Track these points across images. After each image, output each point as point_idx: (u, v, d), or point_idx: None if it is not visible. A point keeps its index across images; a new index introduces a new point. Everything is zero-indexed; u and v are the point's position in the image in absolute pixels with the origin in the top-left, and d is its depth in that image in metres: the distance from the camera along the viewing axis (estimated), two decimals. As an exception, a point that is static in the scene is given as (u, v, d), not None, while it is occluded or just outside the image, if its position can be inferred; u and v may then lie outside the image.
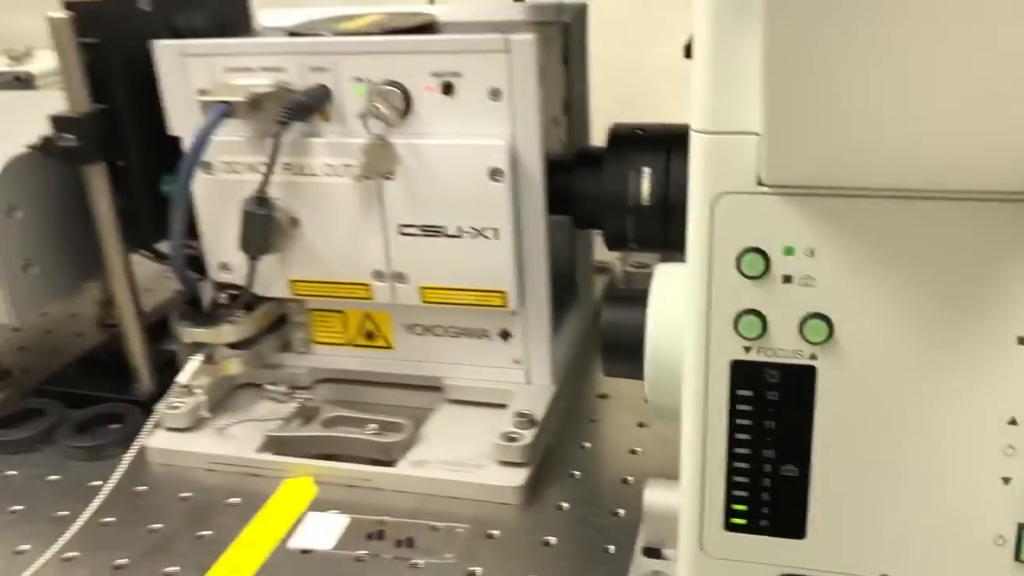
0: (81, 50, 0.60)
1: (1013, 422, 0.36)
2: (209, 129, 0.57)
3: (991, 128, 0.31)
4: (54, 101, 0.62)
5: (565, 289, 0.70)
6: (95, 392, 0.69)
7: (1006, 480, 0.37)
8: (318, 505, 0.58)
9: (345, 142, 0.59)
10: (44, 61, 0.98)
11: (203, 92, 0.60)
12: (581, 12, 0.67)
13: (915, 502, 0.38)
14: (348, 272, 0.62)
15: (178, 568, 0.53)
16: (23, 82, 0.93)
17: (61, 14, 0.59)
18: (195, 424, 0.64)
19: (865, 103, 0.31)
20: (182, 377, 0.62)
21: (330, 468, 0.60)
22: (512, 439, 0.58)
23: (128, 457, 0.59)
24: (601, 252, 0.72)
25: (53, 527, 0.56)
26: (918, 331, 0.36)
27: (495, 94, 0.56)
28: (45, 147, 0.61)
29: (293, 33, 0.62)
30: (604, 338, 0.46)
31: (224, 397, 0.67)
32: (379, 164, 0.58)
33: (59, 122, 0.60)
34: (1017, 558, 0.37)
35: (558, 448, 0.62)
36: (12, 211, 0.62)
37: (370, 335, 0.66)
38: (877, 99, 0.31)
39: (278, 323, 0.67)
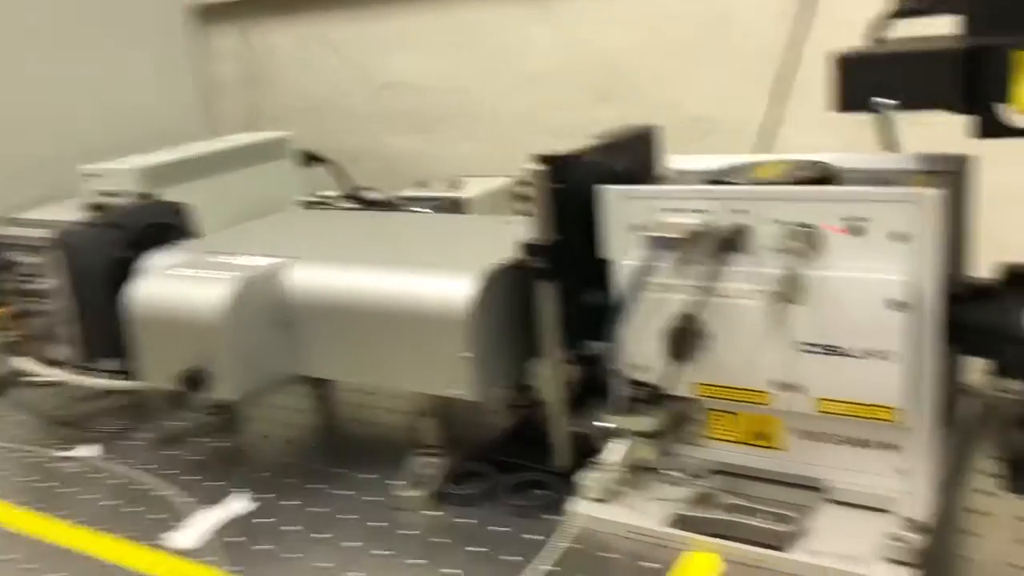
0: (550, 194, 0.77)
1: None
2: (654, 258, 0.71)
3: None
4: (489, 224, 0.80)
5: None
6: (519, 461, 0.85)
7: None
8: (720, 577, 0.68)
9: (759, 271, 0.70)
10: (471, 188, 1.20)
11: (639, 227, 0.74)
12: (966, 161, 0.75)
13: None
14: (748, 380, 0.73)
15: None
16: (456, 205, 1.14)
17: (541, 166, 0.76)
18: (610, 496, 0.77)
19: None
20: (608, 456, 0.75)
21: (729, 547, 0.70)
22: (901, 540, 0.65)
23: (572, 520, 0.73)
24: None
25: (505, 568, 0.72)
26: None
27: (900, 237, 0.65)
28: (519, 265, 0.78)
29: (714, 180, 0.75)
30: (1015, 459, 0.53)
31: (629, 477, 0.79)
32: (789, 291, 0.69)
33: (530, 248, 0.77)
34: None
35: (936, 554, 0.68)
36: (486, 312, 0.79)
37: (759, 435, 0.76)
38: None
39: (679, 418, 0.79)
